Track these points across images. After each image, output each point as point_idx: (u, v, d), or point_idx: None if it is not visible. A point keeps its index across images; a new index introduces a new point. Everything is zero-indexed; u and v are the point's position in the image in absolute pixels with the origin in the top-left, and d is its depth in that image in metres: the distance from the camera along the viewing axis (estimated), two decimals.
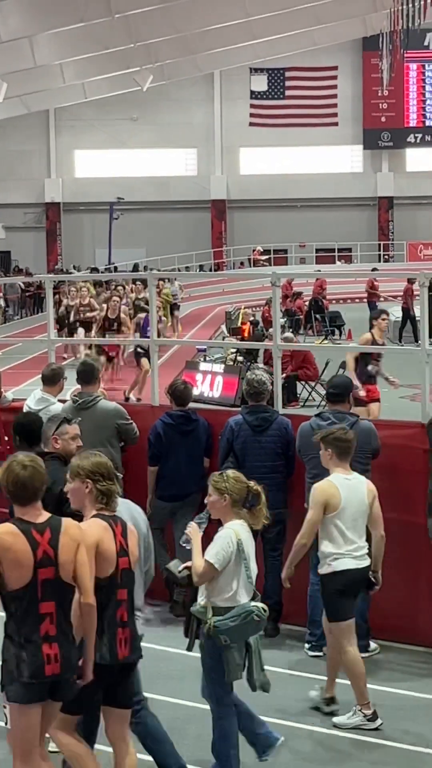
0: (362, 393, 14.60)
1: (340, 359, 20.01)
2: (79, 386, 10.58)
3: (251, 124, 58.13)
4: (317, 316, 35.48)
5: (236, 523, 6.85)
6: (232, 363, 22.33)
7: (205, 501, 6.98)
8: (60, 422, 7.84)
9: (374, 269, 38.76)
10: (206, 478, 7.37)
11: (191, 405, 10.57)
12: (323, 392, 15.40)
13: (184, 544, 7.09)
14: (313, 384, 21.64)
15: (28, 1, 31.35)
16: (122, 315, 22.85)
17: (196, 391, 16.99)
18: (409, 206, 61.09)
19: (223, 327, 32.21)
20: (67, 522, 5.92)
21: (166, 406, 10.57)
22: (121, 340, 22.15)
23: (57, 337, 18.72)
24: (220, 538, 6.79)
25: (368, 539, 7.95)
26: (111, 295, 24.21)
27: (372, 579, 7.93)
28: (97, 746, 6.67)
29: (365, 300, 37.03)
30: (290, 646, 9.38)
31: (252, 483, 6.97)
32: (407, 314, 31.39)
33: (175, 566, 7.07)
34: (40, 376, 11.01)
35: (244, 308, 31.49)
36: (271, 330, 16.31)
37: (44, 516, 5.88)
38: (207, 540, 6.90)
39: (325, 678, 8.13)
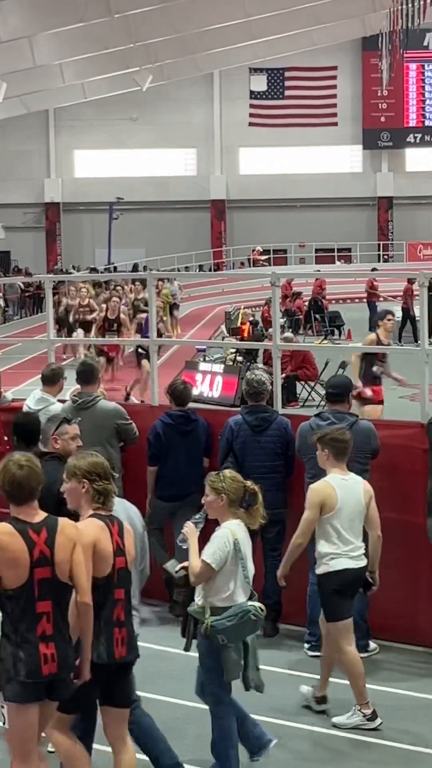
0: (369, 393, 14.53)
1: (340, 359, 20.03)
2: (78, 386, 10.59)
3: (251, 124, 58.16)
4: (317, 316, 35.50)
5: (233, 523, 6.85)
6: (231, 363, 22.34)
7: (202, 501, 6.98)
8: (60, 422, 7.84)
9: (374, 269, 38.77)
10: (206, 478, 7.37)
11: (191, 405, 10.57)
12: (323, 392, 15.37)
13: (180, 544, 7.10)
14: (312, 384, 21.64)
15: (27, 1, 31.36)
16: (122, 315, 22.85)
17: (195, 391, 17.00)
18: (408, 206, 61.10)
19: (223, 327, 32.25)
20: (63, 522, 5.94)
21: (166, 406, 10.57)
22: (121, 340, 22.15)
23: (56, 337, 18.72)
24: (217, 537, 6.80)
25: (365, 540, 7.95)
26: (110, 295, 24.21)
27: (369, 580, 7.93)
28: (96, 746, 6.69)
29: (365, 300, 37.05)
30: (289, 646, 9.38)
31: (249, 483, 6.97)
32: (407, 314, 31.39)
33: (172, 566, 7.07)
34: (40, 376, 11.01)
35: (244, 308, 31.52)
36: (270, 330, 16.32)
37: (41, 515, 5.89)
38: (204, 540, 6.91)
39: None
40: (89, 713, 6.44)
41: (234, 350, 22.83)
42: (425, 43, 58.35)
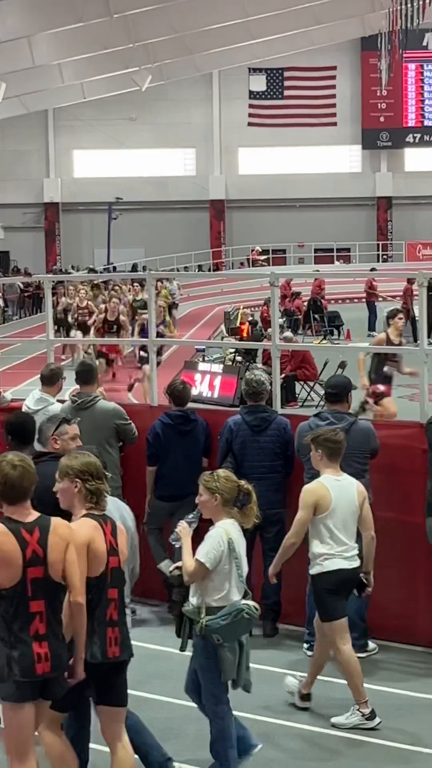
0: (381, 387, 14.44)
1: (339, 359, 20.04)
2: (77, 386, 10.59)
3: (250, 124, 58.17)
4: (316, 316, 35.51)
5: (227, 523, 6.86)
6: (230, 363, 22.36)
7: (196, 500, 6.99)
8: (59, 422, 7.84)
9: (373, 269, 38.79)
10: None
11: (190, 405, 10.57)
12: (322, 392, 15.37)
13: (173, 542, 7.11)
14: (311, 384, 21.65)
15: (27, 1, 31.36)
16: (121, 317, 22.86)
17: (194, 391, 17.01)
18: (407, 206, 61.12)
19: (222, 327, 32.25)
20: (56, 521, 5.97)
21: (165, 406, 10.57)
22: (120, 340, 22.15)
23: (56, 338, 18.73)
24: (211, 537, 6.81)
25: (359, 541, 7.95)
26: (110, 297, 24.19)
27: (364, 580, 7.93)
28: (94, 746, 6.69)
29: (364, 300, 37.05)
30: (289, 646, 9.39)
31: (243, 482, 6.98)
32: (407, 314, 31.36)
33: (166, 566, 7.09)
34: (39, 376, 11.01)
35: (243, 308, 31.53)
36: (269, 330, 16.30)
37: (33, 515, 5.93)
38: (198, 539, 6.91)
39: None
40: (82, 712, 6.46)
41: (233, 350, 22.85)
42: (424, 43, 58.34)
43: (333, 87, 57.43)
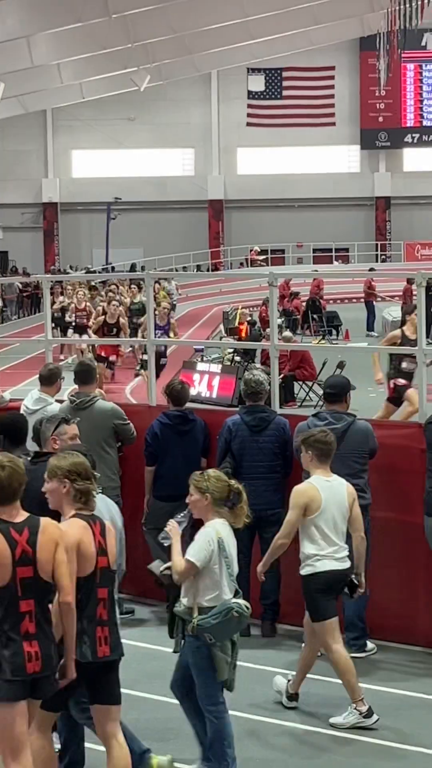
0: (402, 381, 14.38)
1: (338, 359, 20.05)
2: (76, 386, 10.59)
3: (248, 124, 58.19)
4: (314, 316, 35.53)
5: (217, 522, 6.86)
6: (229, 363, 22.36)
7: (187, 500, 6.99)
8: (59, 422, 7.83)
9: (371, 269, 38.80)
10: None
11: (188, 405, 10.57)
12: (320, 392, 15.37)
13: (162, 541, 7.11)
14: (310, 384, 21.65)
15: (26, 1, 31.34)
16: (121, 320, 22.85)
17: (193, 391, 17.01)
18: (406, 206, 61.14)
19: (221, 327, 32.25)
20: (45, 521, 6.00)
21: (164, 406, 10.57)
22: (119, 340, 22.15)
23: (54, 338, 18.73)
24: (201, 536, 6.82)
25: (348, 542, 7.95)
26: (109, 299, 24.13)
27: (355, 582, 7.93)
28: (90, 745, 6.69)
29: (362, 300, 37.08)
30: (288, 646, 9.38)
31: (233, 482, 6.98)
32: None
33: (157, 567, 7.10)
34: (38, 376, 11.01)
35: (242, 308, 31.54)
36: (268, 330, 16.29)
37: (23, 515, 5.96)
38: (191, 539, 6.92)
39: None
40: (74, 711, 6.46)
41: (232, 350, 22.85)
42: (423, 43, 58.31)
43: (332, 87, 57.47)
